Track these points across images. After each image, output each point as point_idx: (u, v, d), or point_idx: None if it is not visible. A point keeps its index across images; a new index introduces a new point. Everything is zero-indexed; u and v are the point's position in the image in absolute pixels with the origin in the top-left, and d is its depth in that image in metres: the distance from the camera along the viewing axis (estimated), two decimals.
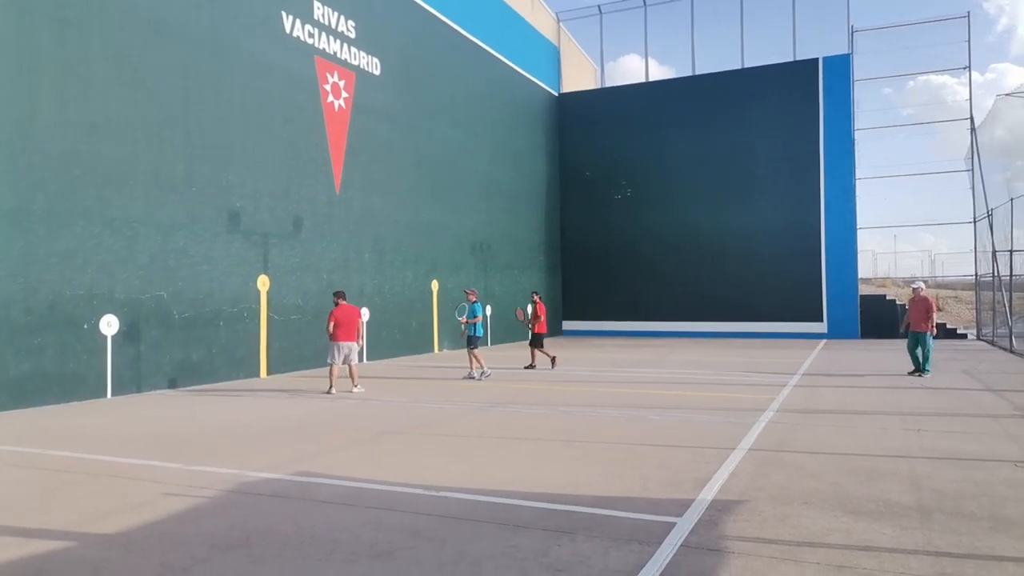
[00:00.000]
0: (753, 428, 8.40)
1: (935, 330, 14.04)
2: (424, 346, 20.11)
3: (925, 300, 14.00)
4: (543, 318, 16.07)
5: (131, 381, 11.93)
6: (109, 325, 11.55)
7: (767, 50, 35.38)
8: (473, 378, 13.68)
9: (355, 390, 11.84)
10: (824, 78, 25.79)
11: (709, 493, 5.59)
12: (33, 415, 9.88)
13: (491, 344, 23.43)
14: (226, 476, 6.29)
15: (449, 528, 4.83)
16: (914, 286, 14.44)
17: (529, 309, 16.86)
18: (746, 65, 27.27)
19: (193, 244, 13.12)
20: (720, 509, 5.18)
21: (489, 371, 13.90)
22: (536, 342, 15.96)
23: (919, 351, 13.77)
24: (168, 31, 12.74)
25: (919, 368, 13.77)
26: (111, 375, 11.56)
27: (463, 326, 14.11)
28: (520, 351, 20.92)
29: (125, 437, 8.26)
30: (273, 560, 4.28)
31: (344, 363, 11.94)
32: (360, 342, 12.12)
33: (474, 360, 13.82)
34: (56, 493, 5.85)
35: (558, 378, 13.75)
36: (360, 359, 11.97)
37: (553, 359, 15.65)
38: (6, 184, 10.26)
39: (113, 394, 11.57)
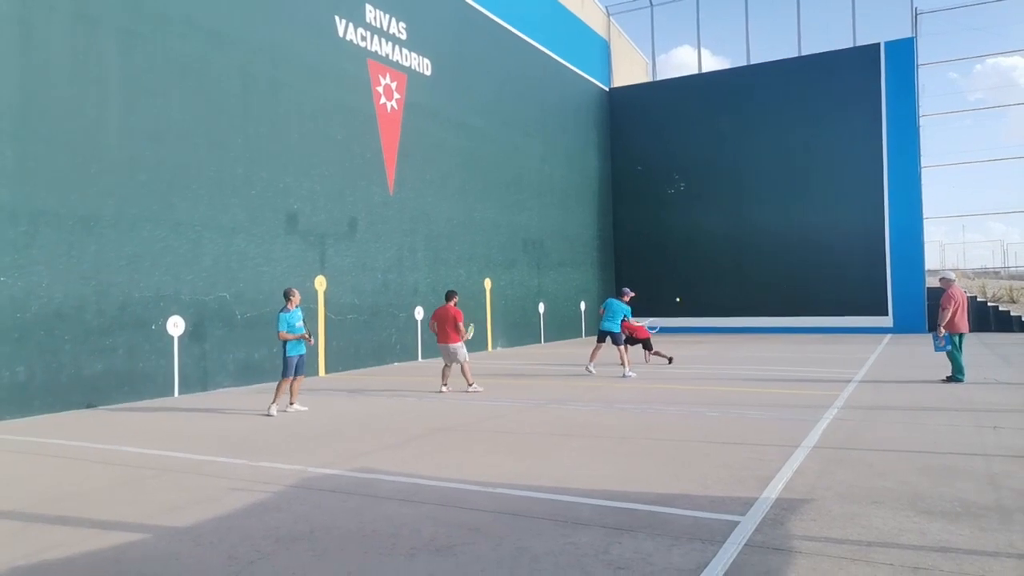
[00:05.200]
0: (817, 425, 8.16)
1: (940, 330, 11.69)
2: (478, 344, 20.19)
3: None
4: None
5: (197, 380, 12.31)
6: (175, 326, 11.94)
7: (826, 36, 34.40)
8: (625, 375, 13.41)
9: (470, 389, 11.66)
10: (886, 63, 24.88)
11: (773, 491, 5.45)
12: (106, 413, 10.29)
13: (544, 341, 23.41)
14: (289, 472, 6.43)
15: (507, 524, 4.82)
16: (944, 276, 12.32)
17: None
18: (803, 53, 26.52)
19: (253, 246, 13.46)
20: (785, 508, 5.04)
21: (595, 371, 13.77)
22: (633, 342, 15.26)
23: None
24: (227, 40, 13.09)
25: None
26: (178, 374, 11.96)
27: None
28: (569, 347, 20.83)
29: (192, 434, 8.53)
30: (336, 554, 4.34)
31: (450, 364, 11.85)
32: (456, 342, 11.68)
33: (595, 356, 13.83)
34: (129, 487, 6.07)
35: (614, 375, 13.62)
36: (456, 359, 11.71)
37: (648, 355, 15.49)
38: (78, 191, 10.71)
39: (180, 393, 11.96)
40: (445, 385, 11.85)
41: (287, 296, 10.14)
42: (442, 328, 11.81)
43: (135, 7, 11.61)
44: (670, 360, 15.50)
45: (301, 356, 10.12)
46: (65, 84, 10.63)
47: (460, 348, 11.71)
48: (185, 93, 12.32)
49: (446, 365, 11.93)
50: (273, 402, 9.90)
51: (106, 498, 5.75)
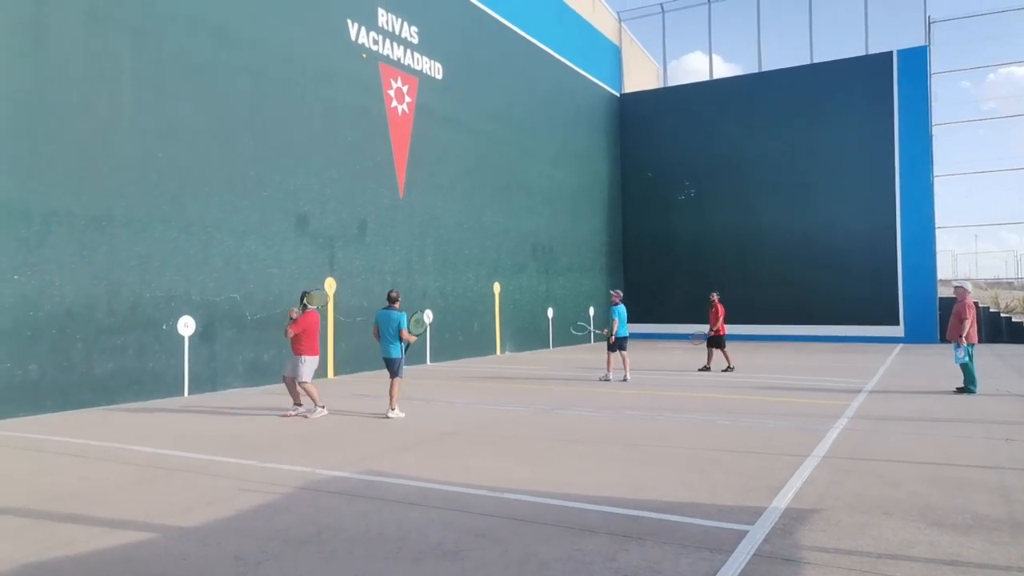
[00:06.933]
0: (828, 435, 8.11)
1: (963, 340, 11.41)
2: (486, 348, 20.19)
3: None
4: (721, 319, 15.78)
5: (206, 380, 12.36)
6: (186, 326, 12.00)
7: (838, 44, 34.18)
8: (608, 379, 13.81)
9: (294, 413, 9.82)
10: (899, 72, 24.76)
11: (782, 501, 5.41)
12: (115, 412, 10.34)
13: (552, 347, 23.37)
14: (298, 473, 6.44)
15: (514, 530, 4.81)
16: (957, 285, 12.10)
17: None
18: (816, 60, 26.44)
19: (263, 248, 13.52)
20: (794, 518, 5.01)
21: (612, 377, 13.92)
22: (714, 343, 15.69)
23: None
24: (239, 42, 13.17)
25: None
26: (188, 374, 12.01)
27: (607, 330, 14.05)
28: (578, 353, 20.79)
29: (201, 434, 8.56)
30: (343, 556, 4.34)
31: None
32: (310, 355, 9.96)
33: (612, 362, 13.95)
34: (138, 487, 6.10)
35: (623, 382, 13.58)
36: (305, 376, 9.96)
37: (730, 367, 15.38)
38: (90, 190, 10.78)
39: (190, 393, 12.01)
40: (300, 404, 10.00)
41: (397, 299, 9.82)
42: (309, 337, 9.87)
43: (148, 7, 11.70)
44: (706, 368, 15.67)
45: None
46: (77, 83, 10.71)
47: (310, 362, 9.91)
48: (197, 94, 12.40)
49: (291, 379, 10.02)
50: (393, 405, 9.60)
51: (115, 497, 5.77)
